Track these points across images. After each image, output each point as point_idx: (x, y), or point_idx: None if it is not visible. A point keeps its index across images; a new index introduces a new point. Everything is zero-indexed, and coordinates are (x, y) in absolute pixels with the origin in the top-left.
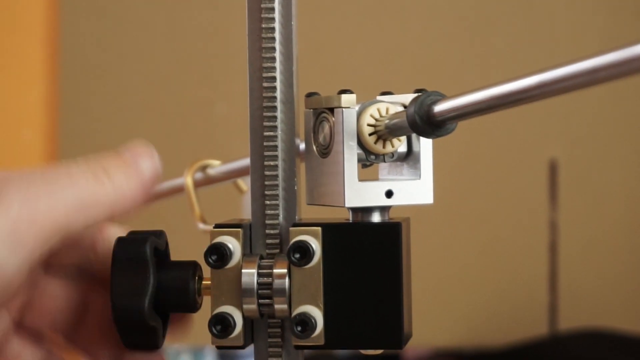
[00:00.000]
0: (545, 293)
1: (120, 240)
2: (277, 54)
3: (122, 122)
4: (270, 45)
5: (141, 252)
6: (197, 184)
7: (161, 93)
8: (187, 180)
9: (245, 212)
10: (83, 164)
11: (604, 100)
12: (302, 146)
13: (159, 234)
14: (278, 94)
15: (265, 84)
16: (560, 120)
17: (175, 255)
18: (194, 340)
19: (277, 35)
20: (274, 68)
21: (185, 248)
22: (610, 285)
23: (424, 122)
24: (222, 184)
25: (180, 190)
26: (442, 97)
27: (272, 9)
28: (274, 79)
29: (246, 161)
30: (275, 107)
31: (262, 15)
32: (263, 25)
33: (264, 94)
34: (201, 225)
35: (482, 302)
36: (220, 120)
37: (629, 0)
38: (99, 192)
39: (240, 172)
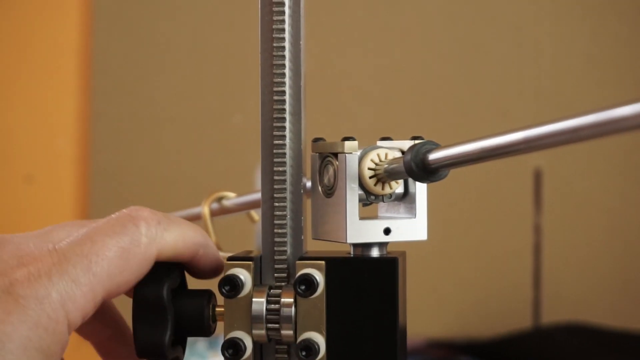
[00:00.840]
0: (529, 290)
1: (138, 284)
2: (287, 70)
3: (147, 131)
4: (280, 62)
5: (159, 296)
6: (213, 214)
7: (184, 105)
8: (204, 210)
9: (257, 240)
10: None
11: None
12: (308, 184)
13: (175, 269)
14: (287, 106)
15: (275, 97)
16: None
17: (192, 280)
18: None
19: (287, 53)
20: (284, 83)
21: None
22: (589, 283)
23: (419, 168)
24: (236, 214)
25: (197, 218)
26: (437, 146)
27: (283, 30)
28: (283, 92)
29: (258, 195)
30: (284, 118)
31: (274, 35)
32: (274, 45)
33: (275, 106)
34: None
35: (473, 297)
36: (237, 130)
37: (612, 26)
38: (140, 243)
39: (252, 205)
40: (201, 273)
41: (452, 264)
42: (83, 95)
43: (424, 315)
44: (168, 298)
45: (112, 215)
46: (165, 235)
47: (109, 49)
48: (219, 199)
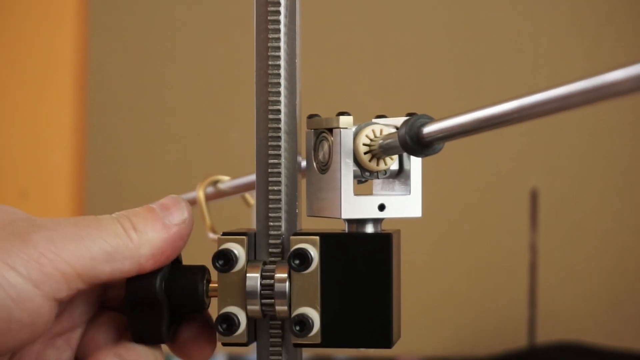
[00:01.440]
0: (525, 309)
1: (130, 280)
2: (282, 89)
3: (144, 147)
4: (275, 80)
5: (152, 291)
6: (208, 197)
7: (180, 121)
8: (199, 193)
9: (254, 224)
10: (113, 218)
11: (582, 134)
12: (304, 163)
13: None
14: (282, 125)
15: (270, 116)
16: (541, 153)
17: (188, 259)
18: None
19: (282, 72)
20: (279, 102)
21: (196, 256)
22: (584, 303)
23: (414, 142)
24: (231, 199)
25: (192, 203)
26: (431, 120)
27: (278, 48)
28: (278, 111)
29: (253, 177)
30: (279, 137)
31: (269, 54)
32: (270, 63)
33: (270, 125)
34: (211, 235)
35: (469, 316)
36: (233, 146)
37: (608, 43)
38: (127, 246)
39: (247, 187)
40: None
41: (448, 282)
42: (79, 110)
43: (419, 333)
44: (160, 289)
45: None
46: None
47: (105, 64)
48: (214, 182)
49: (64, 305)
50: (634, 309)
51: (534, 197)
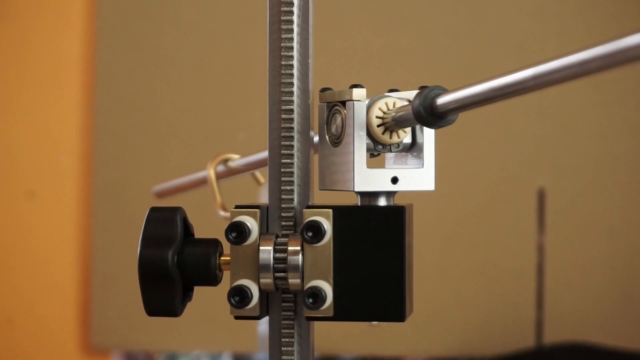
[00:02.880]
0: (532, 309)
1: (153, 208)
2: (295, 89)
3: (151, 149)
4: (288, 80)
5: (172, 217)
6: (219, 176)
7: (188, 122)
8: (210, 172)
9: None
10: None
11: (589, 135)
12: (316, 138)
13: (180, 209)
14: (295, 125)
15: (283, 116)
16: (548, 154)
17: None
18: (212, 346)
19: (295, 72)
20: (292, 102)
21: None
22: (591, 303)
23: (427, 113)
24: (242, 178)
25: (204, 182)
26: (444, 91)
27: (291, 48)
28: (291, 111)
29: (264, 154)
30: (292, 137)
31: (282, 54)
32: (283, 63)
33: (282, 125)
34: (222, 213)
35: (475, 316)
36: (241, 148)
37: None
38: None
39: (258, 164)
40: None
41: (456, 283)
42: (86, 112)
43: (427, 334)
44: (173, 265)
45: None
46: None
47: (112, 66)
48: (225, 161)
49: None
50: None
51: (541, 197)
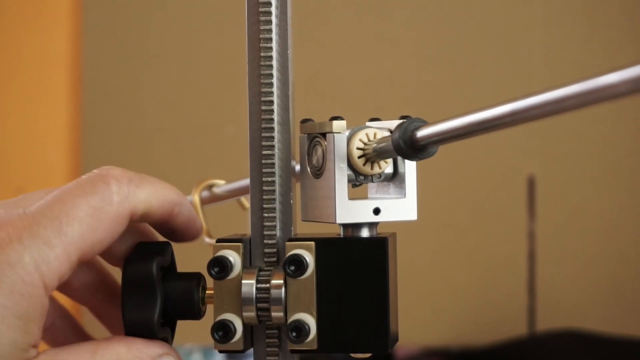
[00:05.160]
0: (524, 297)
1: (127, 261)
2: (275, 80)
3: (139, 142)
4: (268, 72)
5: (149, 272)
6: (204, 202)
7: (175, 116)
8: (195, 197)
9: (250, 228)
10: None
11: (578, 121)
12: (298, 167)
13: (165, 247)
14: (275, 116)
15: (263, 107)
16: (538, 139)
17: (183, 265)
18: (204, 340)
19: (274, 63)
20: (272, 93)
21: (191, 260)
22: (583, 290)
23: (407, 146)
24: (227, 203)
25: None
26: (424, 123)
27: (270, 39)
28: (271, 102)
29: (248, 181)
30: (272, 128)
31: (261, 45)
32: (262, 54)
33: (263, 117)
34: (207, 239)
35: (468, 305)
36: (229, 141)
37: (603, 33)
38: None
39: (242, 191)
40: (179, 234)
41: (447, 272)
42: (74, 107)
43: (419, 324)
44: (158, 276)
45: (83, 176)
46: (137, 192)
47: (99, 61)
48: (210, 187)
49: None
50: (634, 295)
51: (531, 184)
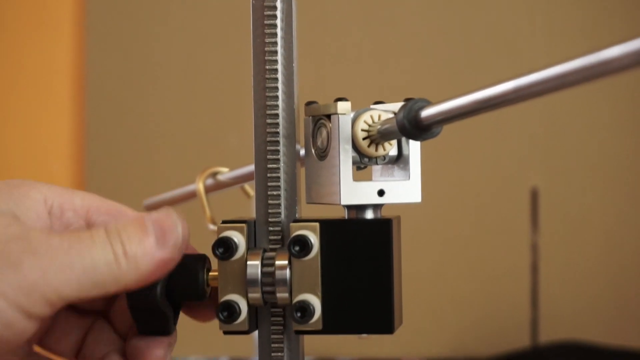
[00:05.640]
0: (527, 308)
1: (129, 294)
2: (280, 93)
3: (143, 154)
4: (273, 85)
5: (153, 302)
6: (208, 189)
7: (179, 127)
8: (199, 185)
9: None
10: (105, 240)
11: (581, 132)
12: (302, 152)
13: None
14: (280, 129)
15: (268, 120)
16: (541, 153)
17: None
18: (209, 351)
19: (279, 75)
20: (277, 106)
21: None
22: (586, 302)
23: (412, 126)
24: (232, 192)
25: (193, 195)
26: (428, 103)
27: (275, 52)
28: (276, 115)
29: (252, 167)
30: (277, 142)
31: (266, 58)
32: (267, 67)
33: (268, 130)
34: (211, 226)
35: (471, 316)
36: (233, 151)
37: (605, 39)
38: (115, 275)
39: (246, 178)
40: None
41: (450, 284)
42: (77, 118)
43: (422, 335)
44: (162, 298)
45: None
46: None
47: (103, 71)
48: (214, 174)
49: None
50: (637, 307)
51: (534, 196)
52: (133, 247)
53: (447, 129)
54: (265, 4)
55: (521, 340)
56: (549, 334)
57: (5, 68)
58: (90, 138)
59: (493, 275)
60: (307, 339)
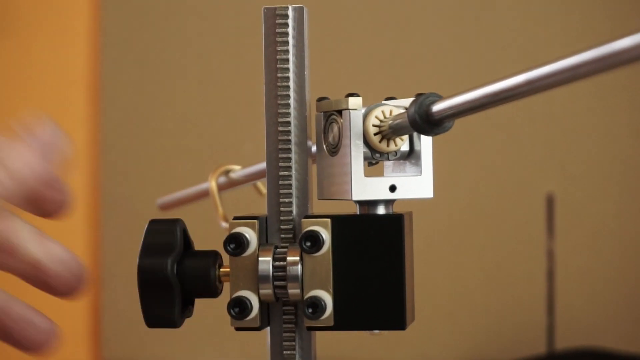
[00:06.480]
0: (543, 315)
1: (152, 220)
2: (292, 101)
3: (158, 162)
4: (285, 93)
5: (171, 228)
6: (221, 187)
7: (195, 135)
8: (212, 183)
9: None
10: None
11: (597, 138)
12: (314, 148)
13: (179, 221)
14: (292, 137)
15: (280, 128)
16: (557, 158)
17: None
18: (223, 356)
19: (291, 84)
20: (289, 114)
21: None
22: (602, 308)
23: (423, 121)
24: (244, 190)
25: (206, 194)
26: (440, 98)
27: (287, 60)
28: (288, 123)
29: (264, 165)
30: (290, 149)
31: (278, 66)
32: (279, 75)
33: (280, 137)
34: (224, 224)
35: (486, 323)
36: (248, 159)
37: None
38: None
39: (259, 175)
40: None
41: (465, 290)
42: (93, 127)
43: (438, 341)
44: (172, 272)
45: None
46: None
47: (118, 80)
48: (226, 172)
49: None
50: None
51: (550, 202)
52: (9, 155)
53: (461, 135)
54: (277, 12)
55: (537, 347)
56: (566, 341)
57: (20, 77)
58: (105, 146)
59: (509, 281)
60: (320, 342)
